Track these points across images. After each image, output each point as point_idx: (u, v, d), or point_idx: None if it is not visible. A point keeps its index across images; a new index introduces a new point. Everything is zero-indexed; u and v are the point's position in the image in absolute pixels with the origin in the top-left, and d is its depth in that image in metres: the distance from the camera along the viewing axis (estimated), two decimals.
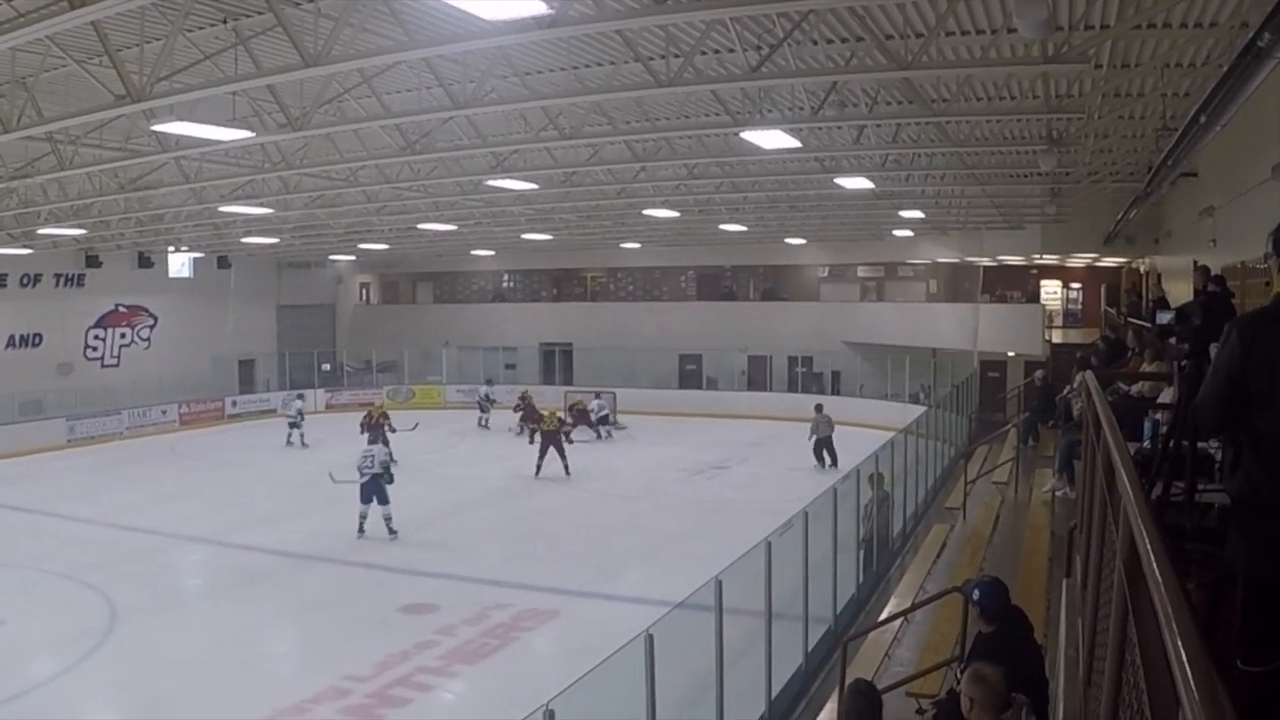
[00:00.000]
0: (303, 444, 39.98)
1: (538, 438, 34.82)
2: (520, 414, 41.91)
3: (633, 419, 44.00)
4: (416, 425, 38.69)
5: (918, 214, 33.52)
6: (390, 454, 27.02)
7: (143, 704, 15.60)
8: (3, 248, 37.31)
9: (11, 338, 43.32)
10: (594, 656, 9.08)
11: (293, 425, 41.29)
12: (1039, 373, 30.26)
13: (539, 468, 33.27)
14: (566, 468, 33.21)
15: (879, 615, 14.93)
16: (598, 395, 43.32)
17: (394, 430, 36.57)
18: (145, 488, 32.39)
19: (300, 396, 44.65)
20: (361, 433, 34.51)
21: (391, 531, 25.26)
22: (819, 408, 35.19)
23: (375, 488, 25.46)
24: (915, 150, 22.16)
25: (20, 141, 18.41)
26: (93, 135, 19.72)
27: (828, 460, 33.04)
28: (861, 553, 18.35)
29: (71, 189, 25.50)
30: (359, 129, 18.38)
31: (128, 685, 16.40)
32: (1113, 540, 4.86)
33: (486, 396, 46.54)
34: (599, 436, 40.29)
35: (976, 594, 8.37)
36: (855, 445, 32.18)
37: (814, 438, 34.21)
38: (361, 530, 25.48)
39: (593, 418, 41.37)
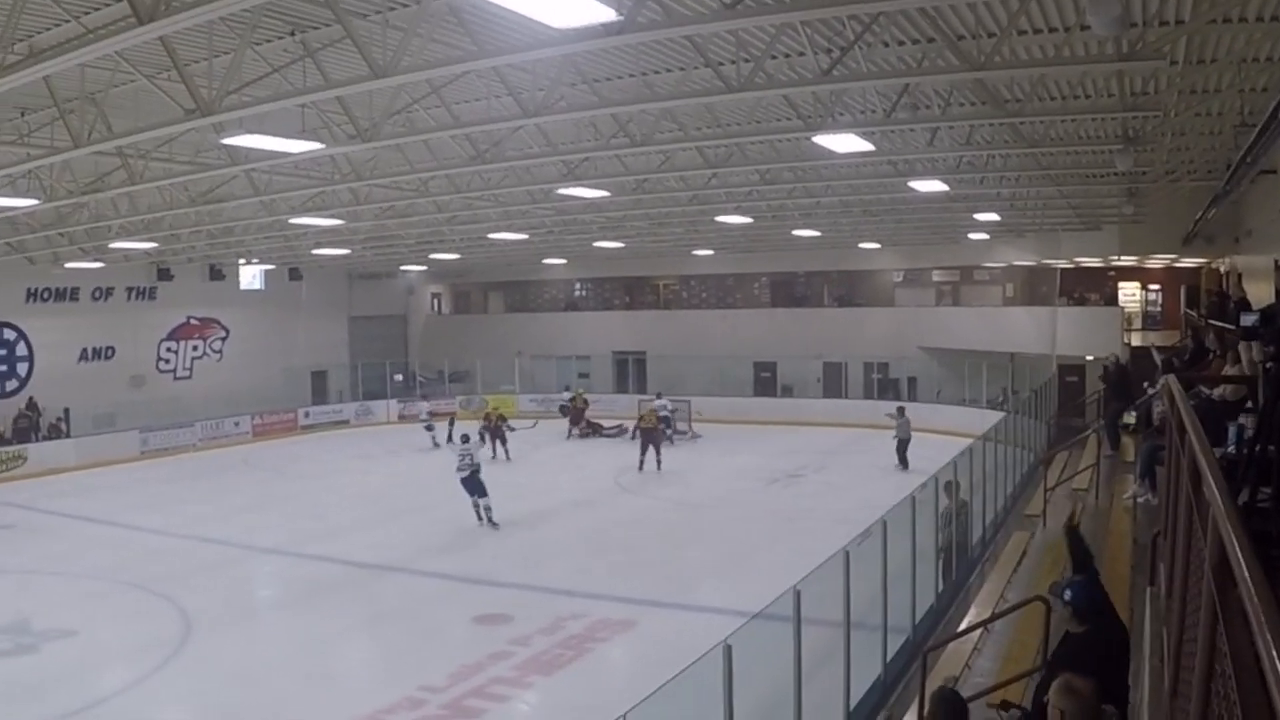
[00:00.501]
0: (448, 439, 40.63)
1: (637, 435, 37.64)
2: (569, 416, 42.30)
3: (707, 427, 43.91)
4: (535, 423, 39.85)
5: (993, 217, 33.19)
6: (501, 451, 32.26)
7: (215, 715, 15.74)
8: (75, 262, 37.95)
9: (84, 351, 43.82)
10: (670, 667, 9.06)
11: (429, 429, 42.94)
12: (1111, 356, 29.88)
13: (641, 463, 35.78)
14: (659, 463, 35.91)
15: (959, 625, 14.80)
16: (659, 395, 43.67)
17: (512, 430, 38.82)
18: (218, 499, 32.76)
19: (424, 397, 48.34)
20: (482, 437, 34.63)
21: (494, 523, 27.46)
22: (901, 410, 35.20)
23: (475, 483, 27.75)
24: (989, 152, 21.94)
25: (90, 157, 18.63)
26: (162, 149, 19.97)
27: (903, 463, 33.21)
28: (940, 561, 18.24)
29: (142, 203, 25.85)
30: (428, 139, 18.50)
31: (200, 696, 16.53)
32: (1200, 548, 4.77)
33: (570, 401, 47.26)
34: (669, 441, 40.21)
35: (1068, 594, 8.15)
36: (933, 452, 31.96)
37: (897, 438, 34.61)
38: (480, 519, 27.65)
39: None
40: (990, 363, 42.09)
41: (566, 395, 48.27)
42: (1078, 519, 9.13)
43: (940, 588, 17.60)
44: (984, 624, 13.66)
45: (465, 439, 29.06)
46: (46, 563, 24.93)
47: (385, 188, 24.84)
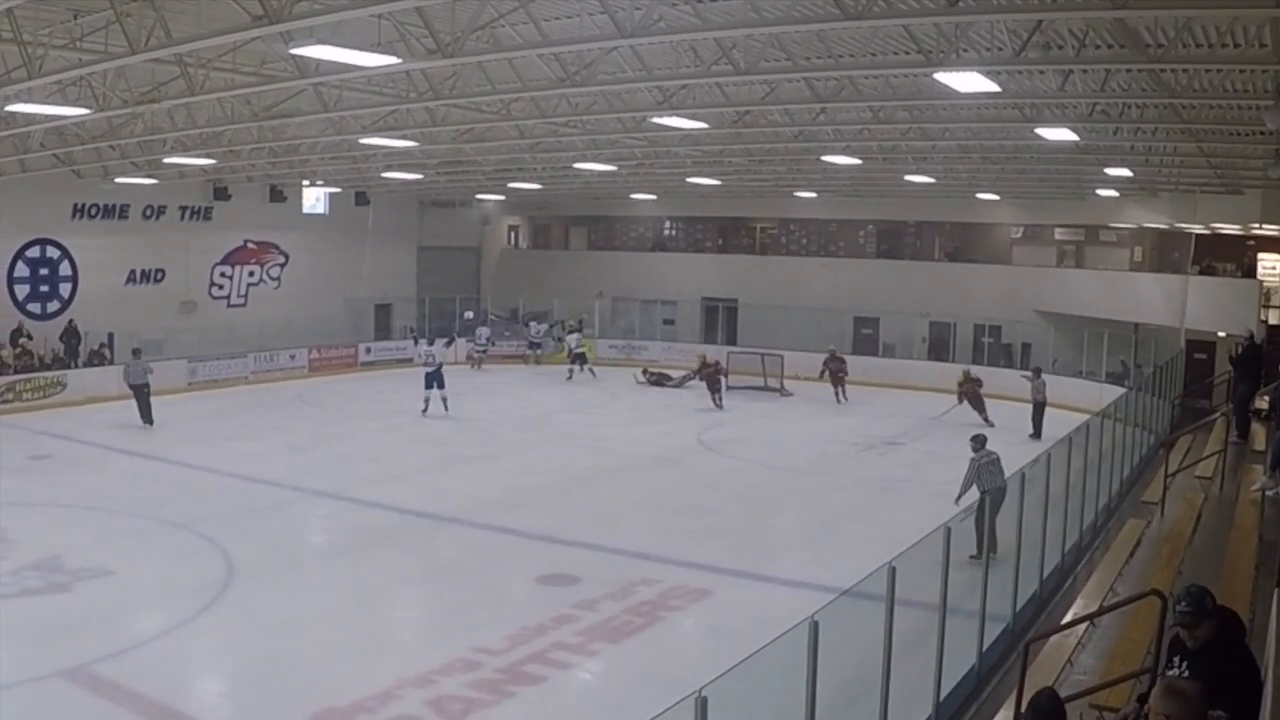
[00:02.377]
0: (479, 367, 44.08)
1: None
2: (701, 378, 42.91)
3: (800, 385, 43.76)
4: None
5: (1125, 172, 32.64)
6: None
7: (257, 665, 15.96)
8: (126, 177, 38.29)
9: (132, 273, 43.98)
10: (746, 641, 9.03)
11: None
12: (1245, 333, 29.39)
13: (716, 401, 39.87)
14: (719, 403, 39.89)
15: (1063, 616, 14.67)
16: (580, 324, 49.25)
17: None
18: (269, 437, 33.15)
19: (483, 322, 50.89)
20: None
21: (446, 409, 36.21)
22: (1038, 371, 35.25)
23: (437, 377, 36.46)
24: (1126, 100, 21.54)
25: (147, 64, 18.71)
26: (225, 59, 19.88)
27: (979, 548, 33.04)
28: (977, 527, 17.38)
29: (201, 116, 25.88)
30: (513, 58, 18.49)
31: (241, 645, 16.77)
32: None
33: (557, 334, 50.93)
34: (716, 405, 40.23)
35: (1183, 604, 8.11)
36: (1047, 426, 31.76)
37: (1033, 402, 34.68)
38: (443, 409, 35.93)
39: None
40: (1112, 333, 41.44)
41: (540, 329, 51.04)
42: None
43: (976, 553, 16.70)
44: (1090, 618, 13.53)
45: (431, 342, 36.64)
46: (83, 497, 25.24)
47: (464, 109, 24.82)
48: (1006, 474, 18.88)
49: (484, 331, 51.07)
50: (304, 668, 15.66)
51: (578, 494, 26.70)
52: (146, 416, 33.74)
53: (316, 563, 21.71)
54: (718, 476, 29.10)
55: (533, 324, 52.68)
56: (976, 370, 39.64)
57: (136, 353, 35.69)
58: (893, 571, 10.80)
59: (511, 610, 18.22)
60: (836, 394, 41.40)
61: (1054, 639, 13.20)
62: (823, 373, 42.57)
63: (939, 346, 48.44)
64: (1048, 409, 34.41)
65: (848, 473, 29.75)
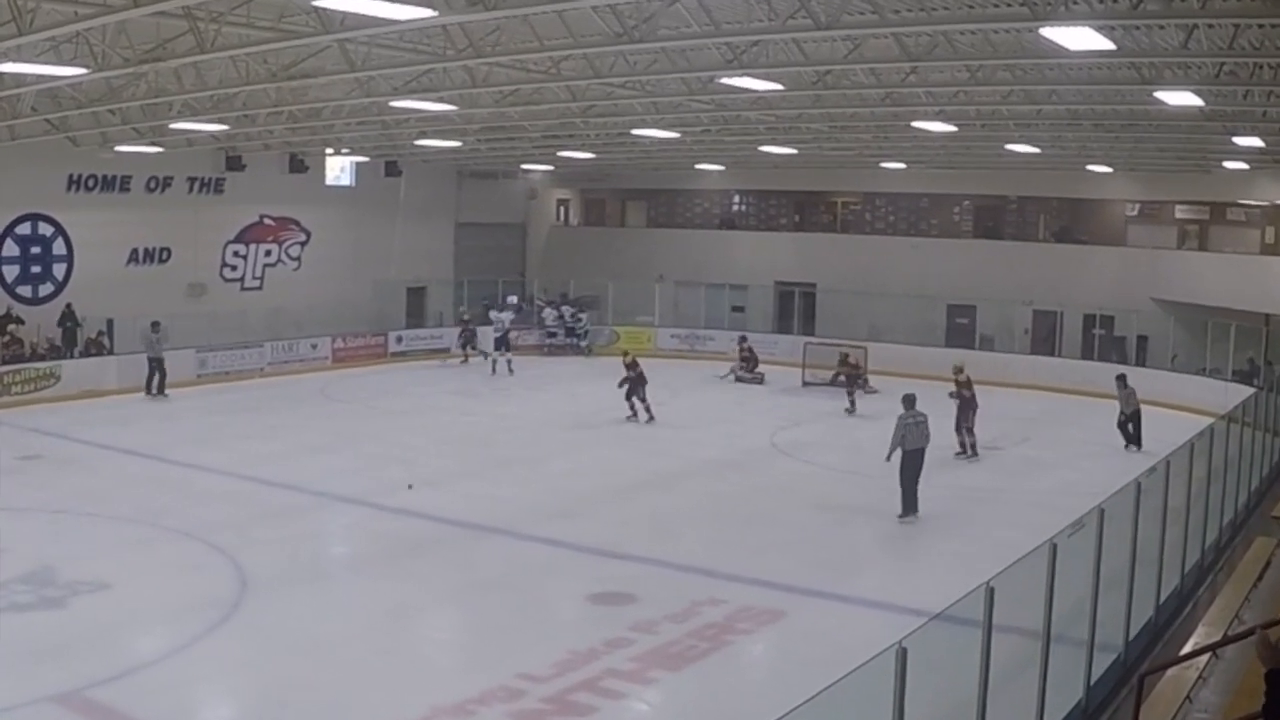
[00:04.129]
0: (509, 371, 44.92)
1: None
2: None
3: (885, 380, 43.62)
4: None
5: (1255, 142, 32.33)
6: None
7: (272, 689, 16.07)
8: (127, 144, 38.42)
9: (134, 252, 44.01)
10: (823, 669, 9.03)
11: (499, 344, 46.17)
12: None
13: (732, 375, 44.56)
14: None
15: (1182, 646, 14.59)
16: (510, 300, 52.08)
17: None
18: (288, 436, 33.46)
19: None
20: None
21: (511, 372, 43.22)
22: (1123, 379, 34.49)
23: (504, 341, 43.08)
24: (1258, 60, 21.36)
25: (151, 18, 18.79)
26: (239, 11, 19.83)
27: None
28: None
29: (211, 76, 25.80)
30: (564, 10, 18.49)
31: (254, 668, 16.87)
32: None
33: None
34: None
35: None
36: (1164, 430, 31.49)
37: (1122, 413, 33.97)
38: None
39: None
40: (1239, 325, 41.03)
41: (554, 315, 52.44)
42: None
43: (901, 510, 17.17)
44: (1213, 648, 13.43)
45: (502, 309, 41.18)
46: (79, 501, 25.42)
47: (508, 68, 24.81)
48: (1108, 487, 18.81)
49: (505, 318, 50.29)
50: (325, 695, 15.77)
51: (633, 502, 26.77)
52: (161, 387, 34.38)
53: (340, 577, 21.87)
54: (791, 483, 29.12)
55: (548, 310, 53.17)
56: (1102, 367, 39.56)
57: (155, 325, 36.20)
58: (991, 592, 10.76)
59: (559, 632, 18.30)
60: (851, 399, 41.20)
61: (1171, 671, 13.13)
62: (836, 376, 42.33)
63: (1043, 339, 48.19)
64: (1144, 413, 34.01)
65: (939, 480, 29.55)
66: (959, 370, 33.63)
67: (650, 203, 61.59)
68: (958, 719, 11.27)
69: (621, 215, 63.09)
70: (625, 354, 38.30)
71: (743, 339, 46.43)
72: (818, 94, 26.75)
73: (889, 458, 25.67)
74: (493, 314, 48.48)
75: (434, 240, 56.05)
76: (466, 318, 49.31)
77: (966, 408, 32.83)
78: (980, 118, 30.73)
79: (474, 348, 48.02)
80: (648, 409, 36.17)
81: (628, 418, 35.98)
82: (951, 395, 32.88)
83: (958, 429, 32.47)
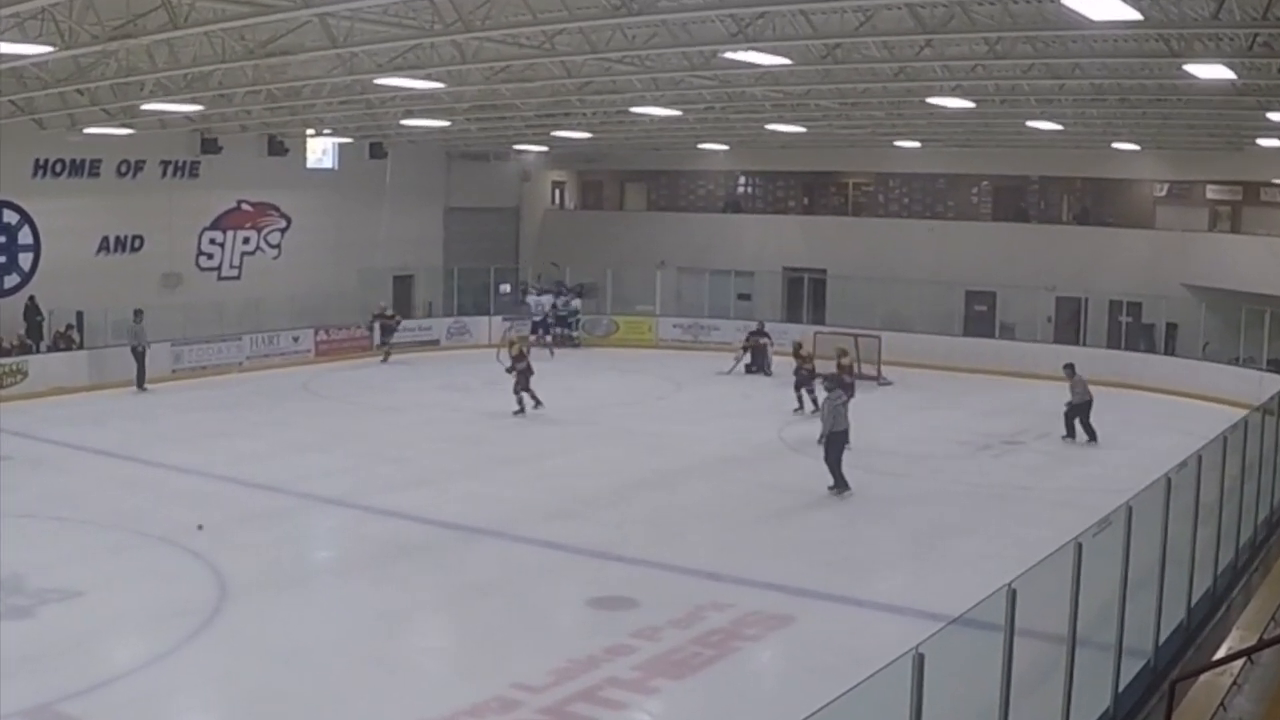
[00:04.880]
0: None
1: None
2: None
3: (900, 372, 43.71)
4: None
5: None
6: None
7: (253, 701, 16.05)
8: (97, 126, 38.26)
9: (105, 240, 43.75)
10: (835, 677, 9.03)
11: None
12: None
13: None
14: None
15: (1215, 651, 14.60)
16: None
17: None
18: (269, 434, 33.46)
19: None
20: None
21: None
22: (1070, 368, 34.67)
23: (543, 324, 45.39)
24: None
25: None
26: None
27: (1079, 433, 33.40)
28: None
29: (185, 54, 25.76)
30: None
31: (235, 678, 16.83)
32: None
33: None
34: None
35: None
36: (1195, 422, 31.51)
37: (1069, 404, 34.02)
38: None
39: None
40: (1275, 311, 41.09)
41: (540, 303, 52.48)
42: None
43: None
44: (1248, 653, 13.45)
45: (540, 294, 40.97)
46: (48, 505, 25.33)
47: (499, 43, 24.83)
48: (1137, 482, 18.83)
49: (545, 301, 51.97)
50: (308, 707, 15.77)
51: (636, 501, 26.80)
52: (140, 380, 34.59)
53: (325, 582, 21.86)
54: (802, 481, 28.94)
55: (530, 298, 53.24)
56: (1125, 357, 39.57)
57: (138, 314, 36.39)
58: (1012, 595, 10.76)
59: (556, 639, 18.32)
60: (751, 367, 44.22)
61: (1204, 678, 13.14)
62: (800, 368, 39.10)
63: (1067, 327, 48.25)
64: (1172, 403, 33.96)
65: (957, 476, 29.70)
66: (799, 346, 37.62)
67: (650, 185, 61.67)
68: None
69: (620, 198, 63.15)
70: (512, 344, 38.26)
71: (759, 328, 46.26)
72: (827, 69, 26.74)
73: (821, 440, 27.95)
74: (530, 299, 50.58)
75: (422, 226, 55.99)
76: (390, 313, 48.74)
77: (809, 378, 36.37)
78: (1000, 93, 30.70)
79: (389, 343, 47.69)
80: (534, 396, 36.23)
81: (515, 413, 35.86)
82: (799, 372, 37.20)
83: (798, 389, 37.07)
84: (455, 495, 26.67)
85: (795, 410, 36.82)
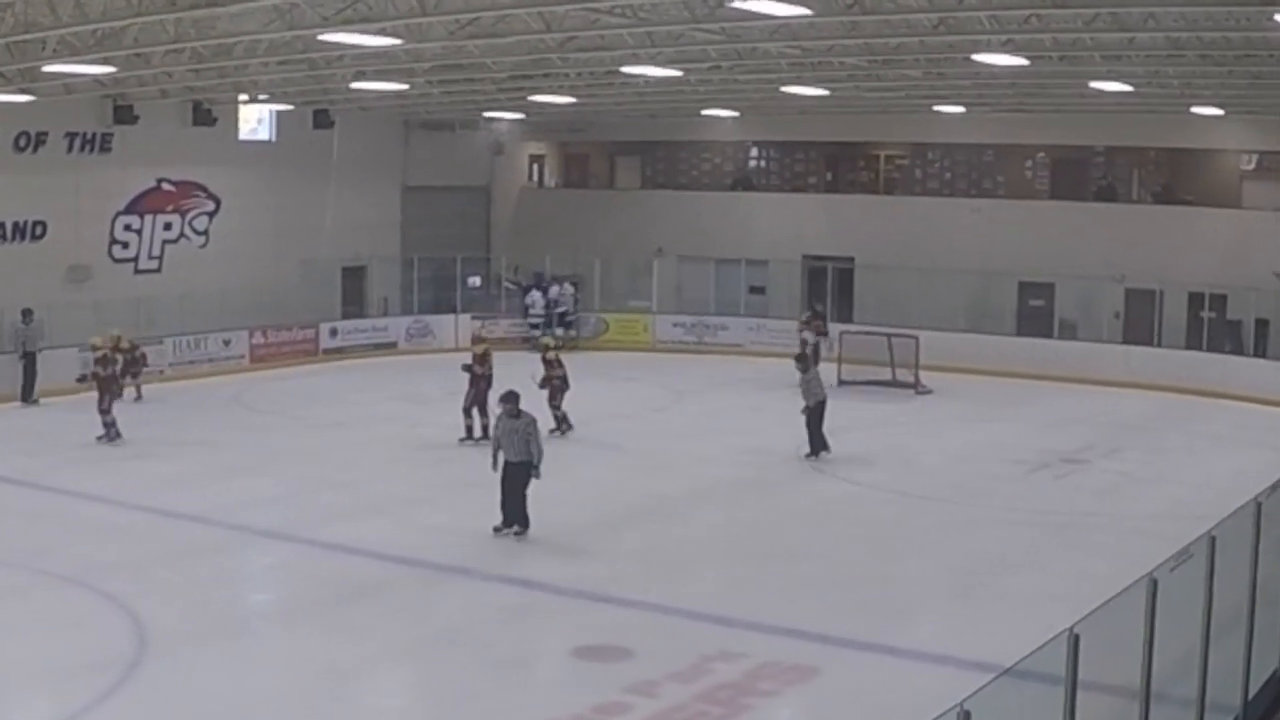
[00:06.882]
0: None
1: None
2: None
3: (941, 378, 43.76)
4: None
5: None
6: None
7: None
8: None
9: (1, 226, 43.37)
10: None
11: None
12: None
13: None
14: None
15: None
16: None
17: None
18: (196, 455, 33.45)
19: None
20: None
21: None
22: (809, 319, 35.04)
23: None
24: None
25: None
26: None
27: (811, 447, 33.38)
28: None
29: (94, 6, 25.66)
30: None
31: None
32: None
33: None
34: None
35: None
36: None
37: (805, 405, 33.56)
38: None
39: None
40: None
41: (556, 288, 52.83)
42: None
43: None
44: None
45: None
46: None
47: None
48: (1224, 508, 18.87)
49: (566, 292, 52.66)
50: None
51: (630, 532, 26.87)
52: (29, 394, 34.42)
53: (264, 630, 21.82)
54: (825, 507, 29.18)
55: (533, 294, 53.43)
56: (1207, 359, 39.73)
57: (27, 314, 36.23)
58: (1074, 640, 10.77)
59: (539, 695, 18.41)
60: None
61: None
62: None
63: (1140, 324, 48.14)
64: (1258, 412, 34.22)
65: (1009, 501, 29.72)
66: (546, 349, 37.15)
67: (646, 158, 61.66)
68: None
69: (610, 174, 63.34)
70: (477, 342, 38.23)
71: (816, 311, 46.31)
72: (854, 20, 26.77)
73: (804, 411, 32.60)
74: (533, 295, 51.53)
75: (375, 208, 55.69)
76: (124, 341, 42.57)
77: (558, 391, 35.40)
78: (1058, 48, 30.65)
79: (134, 375, 42.21)
80: (563, 417, 35.59)
81: (461, 440, 34.72)
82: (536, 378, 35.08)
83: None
84: (415, 526, 26.72)
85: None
